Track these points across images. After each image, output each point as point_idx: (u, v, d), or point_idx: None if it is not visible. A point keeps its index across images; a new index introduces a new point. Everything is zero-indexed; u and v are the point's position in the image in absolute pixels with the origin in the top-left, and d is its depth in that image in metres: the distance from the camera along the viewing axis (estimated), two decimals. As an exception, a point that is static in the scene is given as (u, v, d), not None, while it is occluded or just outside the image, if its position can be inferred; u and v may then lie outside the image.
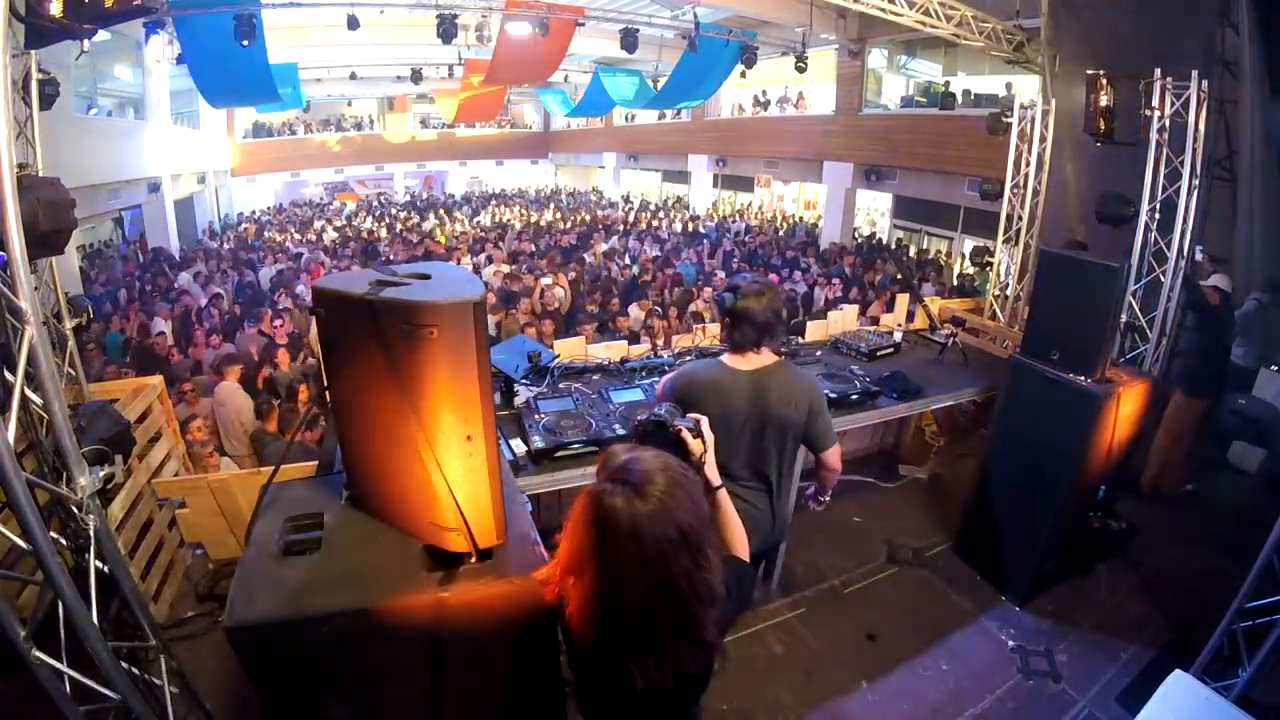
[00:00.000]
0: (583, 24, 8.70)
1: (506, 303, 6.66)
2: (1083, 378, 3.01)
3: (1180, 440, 4.30)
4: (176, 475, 3.60)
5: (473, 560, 1.42)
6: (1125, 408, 3.11)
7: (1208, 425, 4.41)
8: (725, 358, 2.25)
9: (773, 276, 8.77)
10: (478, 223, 15.38)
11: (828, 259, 10.33)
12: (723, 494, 1.54)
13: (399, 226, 14.49)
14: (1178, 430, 4.26)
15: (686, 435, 1.52)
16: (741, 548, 1.50)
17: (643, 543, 1.09)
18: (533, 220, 15.42)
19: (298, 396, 4.96)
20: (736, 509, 2.20)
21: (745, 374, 2.20)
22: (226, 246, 12.87)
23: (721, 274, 8.71)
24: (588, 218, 15.42)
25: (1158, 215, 4.31)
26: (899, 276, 8.51)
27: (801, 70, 10.02)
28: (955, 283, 8.60)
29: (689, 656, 1.19)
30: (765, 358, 2.22)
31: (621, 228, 13.95)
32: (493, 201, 18.74)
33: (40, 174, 2.97)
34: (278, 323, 6.64)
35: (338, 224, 15.25)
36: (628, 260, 10.05)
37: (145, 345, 6.45)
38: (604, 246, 11.15)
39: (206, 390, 5.27)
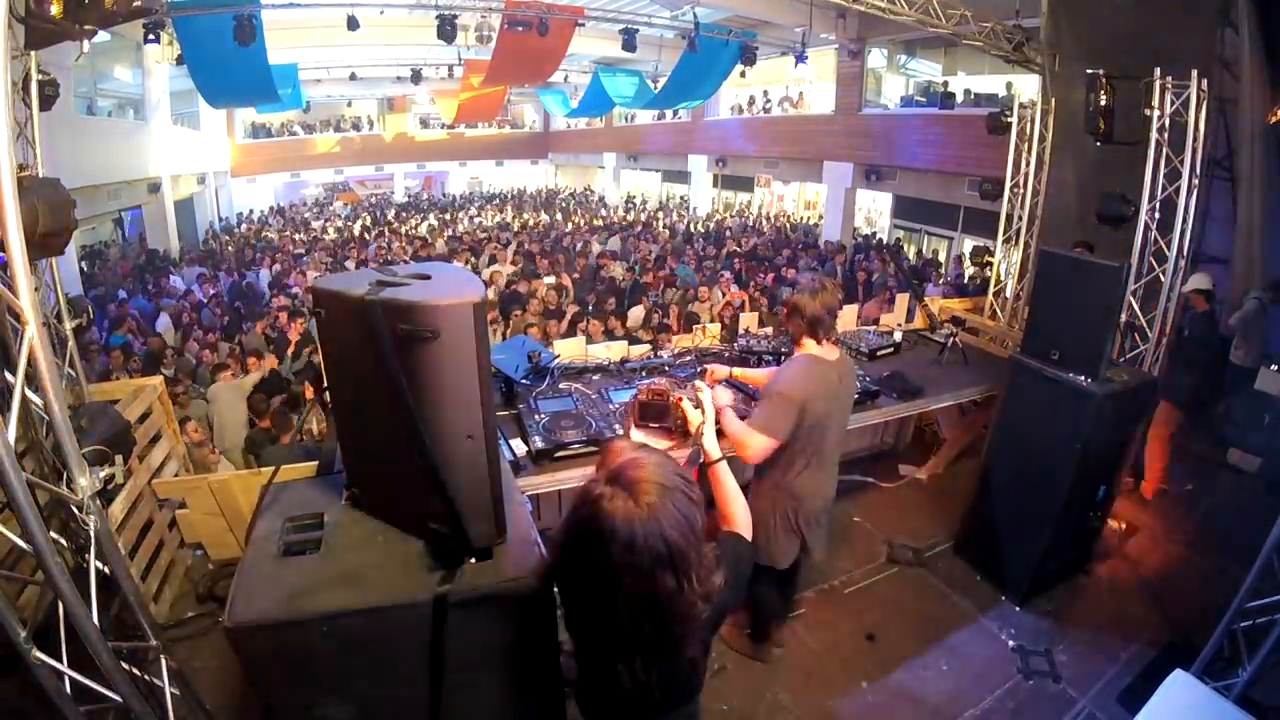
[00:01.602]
0: (583, 24, 8.72)
1: (511, 303, 6.66)
2: (1083, 378, 3.01)
3: (1166, 444, 4.30)
4: (176, 475, 3.60)
5: (473, 560, 1.42)
6: (1125, 408, 3.11)
7: (1204, 427, 4.41)
8: (809, 352, 2.35)
9: (769, 276, 8.78)
10: (478, 223, 15.39)
11: (824, 257, 10.32)
12: (722, 467, 1.51)
13: (392, 226, 14.48)
14: (1161, 433, 4.26)
15: (686, 406, 1.51)
16: (743, 523, 1.47)
17: (636, 554, 1.07)
18: (531, 222, 15.42)
19: (302, 394, 4.94)
20: (820, 506, 2.32)
21: (835, 364, 2.36)
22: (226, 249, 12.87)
23: (726, 274, 8.69)
24: (582, 221, 15.42)
25: (1158, 215, 4.31)
26: (894, 275, 8.49)
27: (802, 70, 10.04)
28: (954, 282, 8.59)
29: (676, 660, 1.18)
30: (835, 348, 2.39)
31: (620, 227, 13.95)
32: (493, 202, 18.74)
33: (40, 174, 2.97)
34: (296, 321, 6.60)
35: (337, 224, 15.27)
36: (627, 263, 10.02)
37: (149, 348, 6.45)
38: (598, 248, 11.13)
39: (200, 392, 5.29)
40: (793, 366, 2.37)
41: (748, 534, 1.47)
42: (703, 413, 1.52)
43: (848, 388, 2.52)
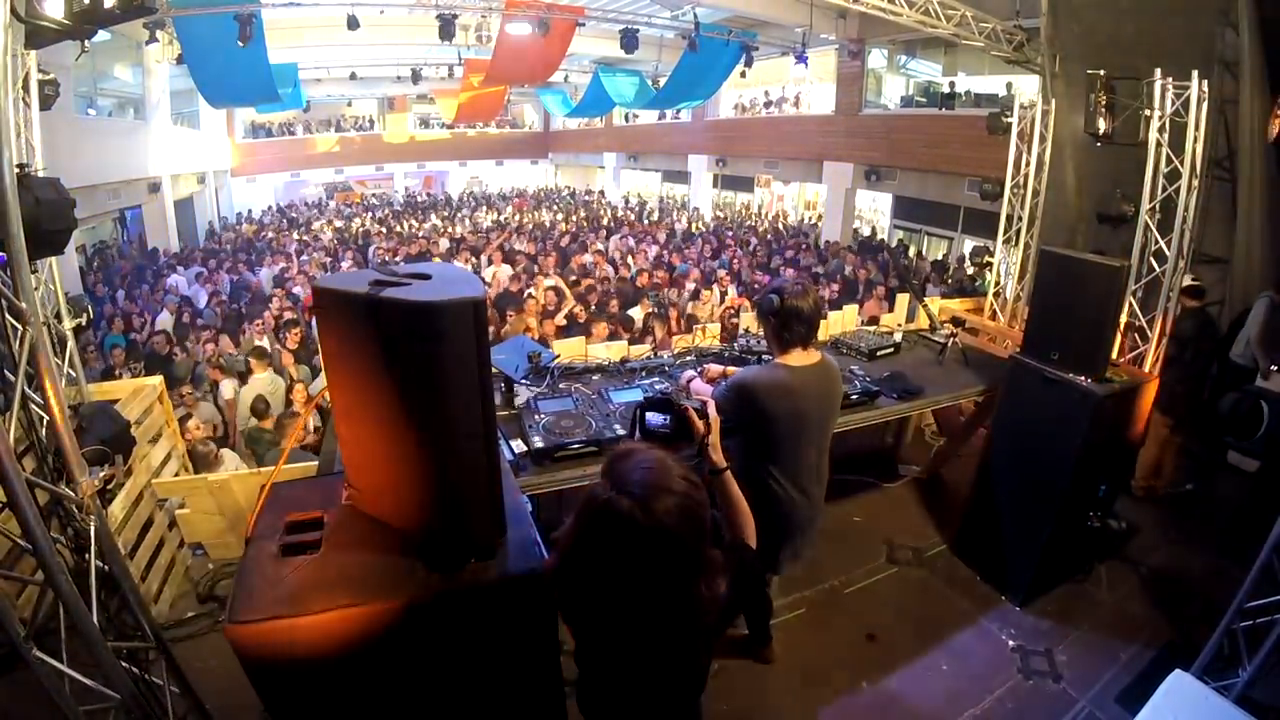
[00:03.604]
0: (583, 24, 8.72)
1: (509, 304, 6.65)
2: (1083, 378, 3.01)
3: (1161, 445, 4.29)
4: (176, 475, 3.61)
5: (473, 560, 1.42)
6: (1124, 408, 3.11)
7: (1201, 429, 4.39)
8: (781, 359, 2.27)
9: (764, 277, 8.77)
10: (482, 226, 15.37)
11: (826, 257, 10.30)
12: (728, 477, 1.52)
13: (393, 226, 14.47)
14: (1155, 435, 4.24)
15: (693, 415, 1.51)
16: (748, 533, 1.49)
17: (643, 558, 1.08)
18: (530, 221, 15.39)
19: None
20: (800, 516, 2.22)
21: (802, 370, 2.24)
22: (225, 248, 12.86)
23: (723, 273, 8.68)
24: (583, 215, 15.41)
25: (1158, 215, 4.30)
26: (895, 276, 8.47)
27: (801, 70, 10.04)
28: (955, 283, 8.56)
29: (681, 662, 1.19)
30: (813, 354, 2.28)
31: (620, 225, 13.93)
32: (486, 205, 18.73)
33: (40, 174, 2.97)
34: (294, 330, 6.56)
35: (337, 224, 15.26)
36: (630, 265, 9.99)
37: (149, 346, 6.44)
38: (598, 246, 11.10)
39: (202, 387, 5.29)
40: (753, 367, 2.35)
41: (752, 542, 1.49)
42: (707, 424, 1.52)
43: (825, 389, 2.33)
